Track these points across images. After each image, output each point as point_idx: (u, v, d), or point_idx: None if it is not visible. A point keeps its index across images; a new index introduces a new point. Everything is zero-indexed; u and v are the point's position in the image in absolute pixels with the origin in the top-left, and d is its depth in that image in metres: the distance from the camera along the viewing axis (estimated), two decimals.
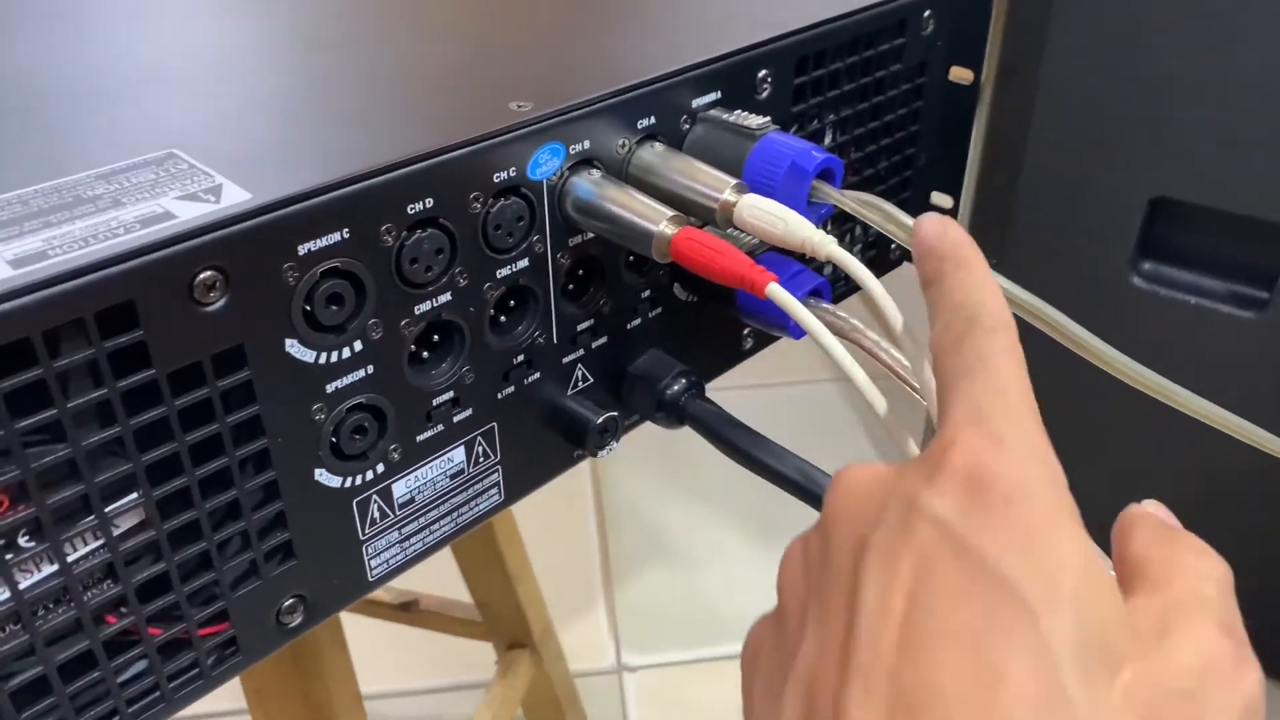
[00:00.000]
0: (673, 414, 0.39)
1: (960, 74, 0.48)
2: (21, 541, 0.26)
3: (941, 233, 0.28)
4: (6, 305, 0.23)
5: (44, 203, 0.26)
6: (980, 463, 0.21)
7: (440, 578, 0.84)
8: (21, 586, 0.26)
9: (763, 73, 0.39)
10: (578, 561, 1.25)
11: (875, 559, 0.21)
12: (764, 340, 0.45)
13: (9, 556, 0.25)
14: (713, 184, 0.34)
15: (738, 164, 0.35)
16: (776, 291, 0.30)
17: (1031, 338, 0.30)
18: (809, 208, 0.35)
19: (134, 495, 0.27)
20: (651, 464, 1.35)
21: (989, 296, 0.26)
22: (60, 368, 0.24)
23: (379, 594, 0.93)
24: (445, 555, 0.83)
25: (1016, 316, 0.27)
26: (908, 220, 0.33)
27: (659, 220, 0.32)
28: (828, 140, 0.44)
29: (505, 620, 0.88)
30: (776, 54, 0.39)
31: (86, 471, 0.26)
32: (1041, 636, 0.19)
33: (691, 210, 0.34)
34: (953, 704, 0.19)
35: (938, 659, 0.19)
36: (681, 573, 1.23)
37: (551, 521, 1.26)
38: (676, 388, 0.39)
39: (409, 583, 0.93)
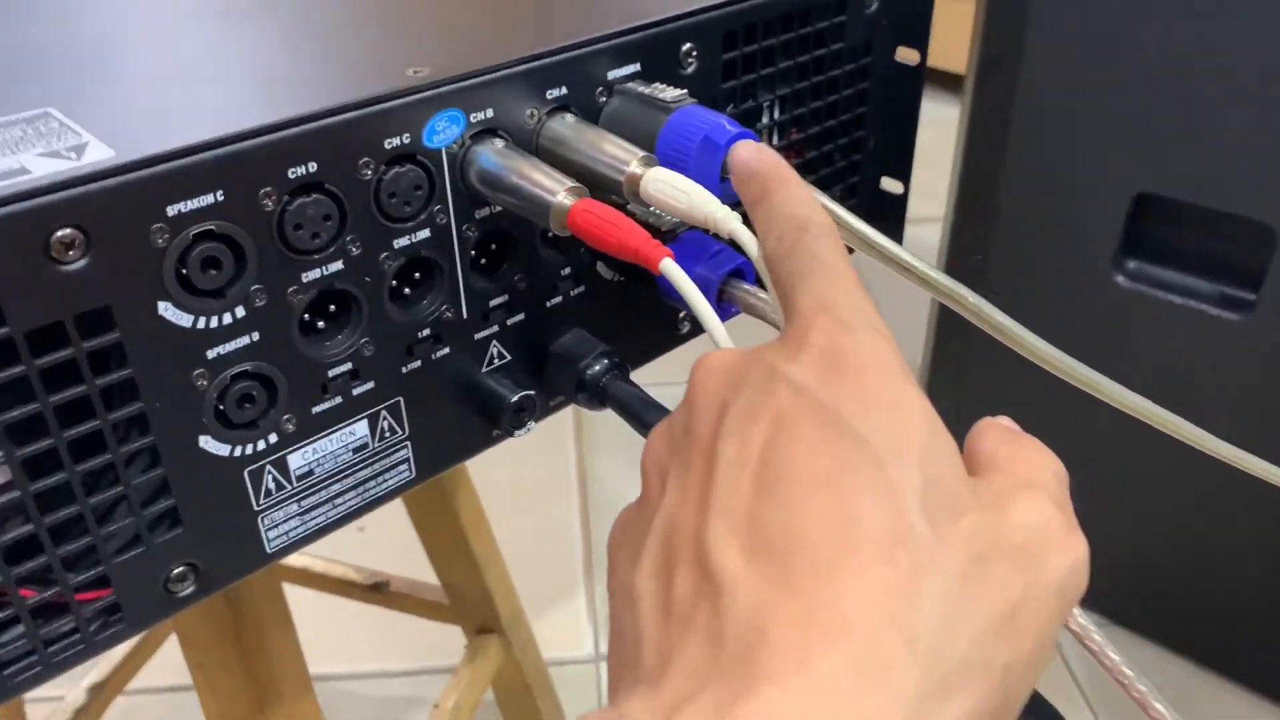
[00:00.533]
0: (594, 395, 0.39)
1: (906, 54, 0.47)
2: None
3: (758, 155, 0.30)
4: None
5: None
6: (837, 342, 0.23)
7: (414, 560, 0.84)
8: None
9: (686, 45, 0.38)
10: (560, 551, 1.24)
11: (735, 417, 0.23)
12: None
13: None
14: (619, 156, 0.33)
15: (652, 138, 0.35)
16: (670, 268, 0.29)
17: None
18: (724, 184, 0.34)
19: None
20: (637, 454, 1.35)
21: (813, 208, 0.28)
22: None
23: (350, 574, 0.93)
24: (418, 537, 0.83)
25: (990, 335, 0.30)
26: (823, 198, 0.33)
27: (557, 191, 0.31)
28: (764, 119, 0.44)
29: (473, 605, 0.87)
30: (700, 26, 0.38)
31: None
32: (890, 481, 0.21)
33: (600, 184, 0.33)
34: (809, 537, 0.20)
35: (794, 498, 0.21)
36: None
37: (535, 510, 1.26)
38: (598, 368, 0.38)
39: (381, 563, 0.93)
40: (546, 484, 1.29)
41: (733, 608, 0.20)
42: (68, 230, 0.25)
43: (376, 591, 0.94)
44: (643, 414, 0.37)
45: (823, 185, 0.48)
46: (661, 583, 0.22)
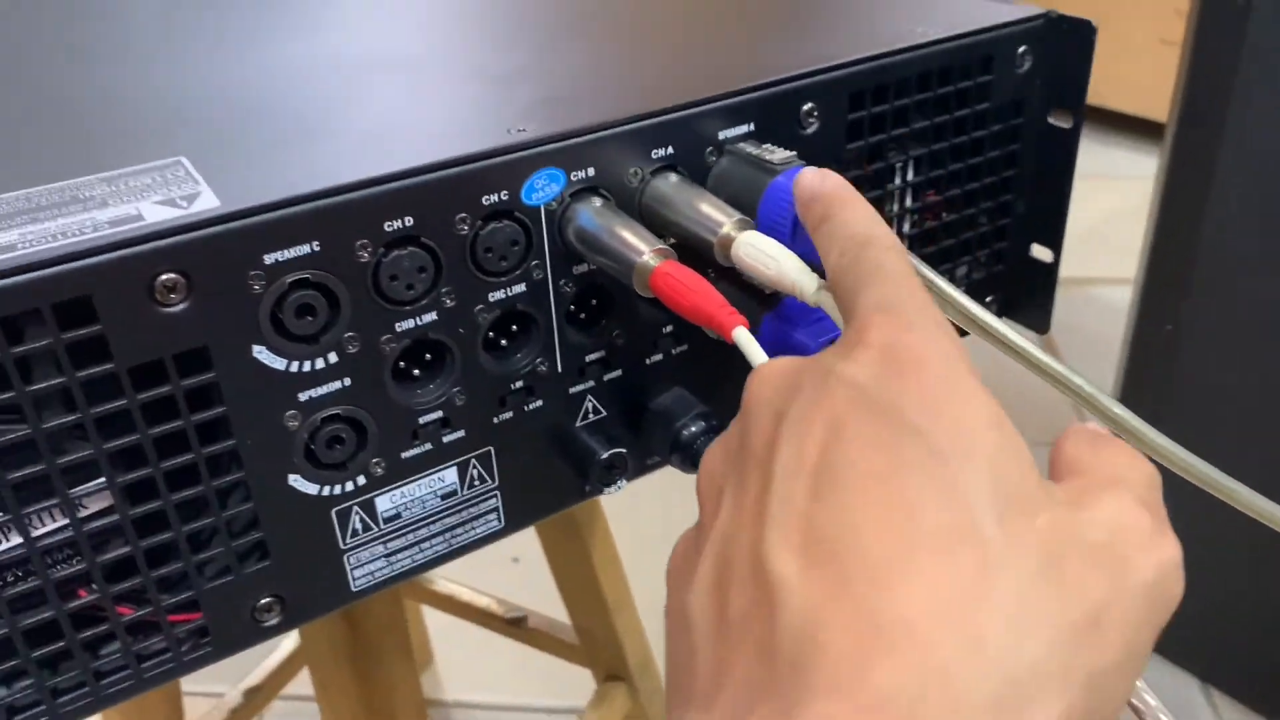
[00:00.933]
0: (688, 457, 0.38)
1: (1060, 117, 0.43)
2: None
3: (822, 179, 0.29)
4: None
5: (44, 200, 0.28)
6: (895, 338, 0.22)
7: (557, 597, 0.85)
8: None
9: (808, 106, 0.37)
10: None
11: (790, 425, 0.22)
12: None
13: None
14: (714, 218, 0.32)
15: (755, 199, 0.34)
16: (742, 337, 0.28)
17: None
18: None
19: (101, 479, 0.29)
20: None
21: (876, 225, 0.27)
22: (19, 353, 0.26)
23: (493, 606, 0.95)
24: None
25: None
26: (925, 270, 0.31)
27: (644, 251, 0.31)
28: (897, 180, 0.42)
29: (602, 649, 0.87)
30: (824, 86, 0.37)
31: (46, 452, 0.27)
32: (954, 478, 0.19)
33: (695, 246, 0.33)
34: (867, 538, 0.19)
35: (850, 498, 0.20)
36: None
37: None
38: (694, 429, 0.38)
39: (531, 597, 0.94)
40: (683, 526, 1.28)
41: (785, 616, 0.19)
42: (171, 275, 0.27)
43: (515, 626, 0.95)
44: None
45: (965, 250, 0.46)
46: (716, 600, 0.21)
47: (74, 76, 0.41)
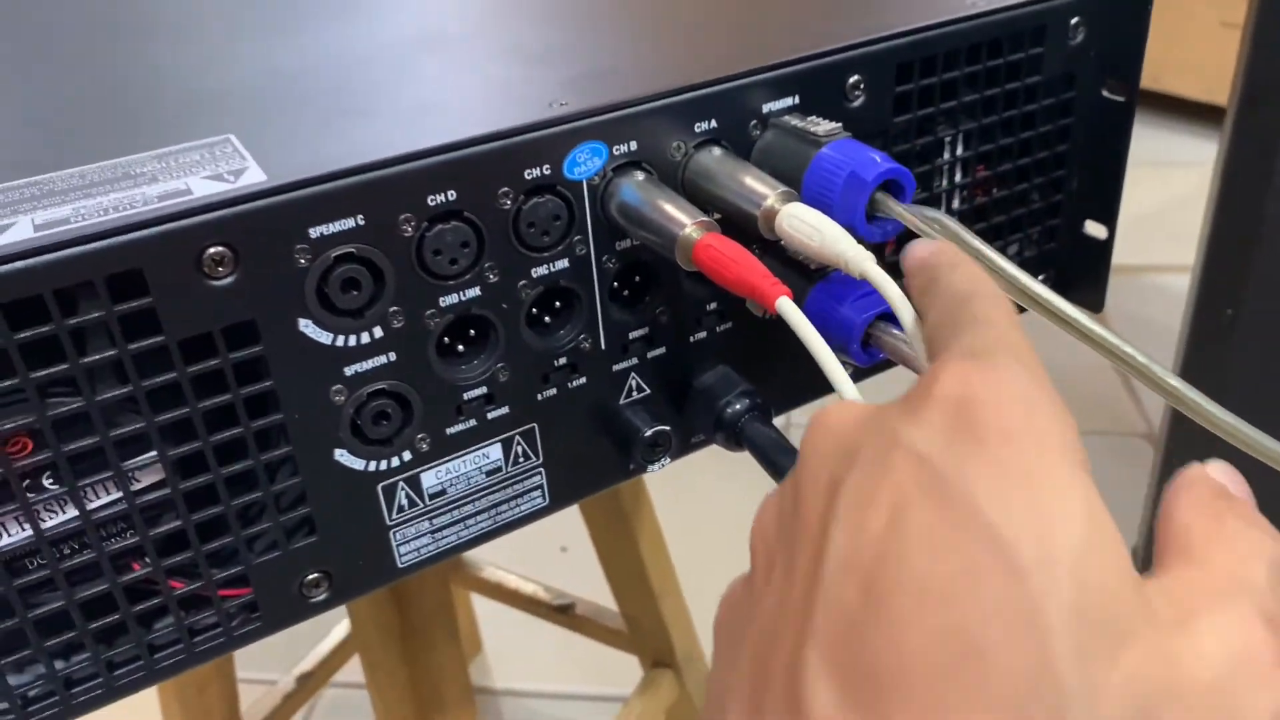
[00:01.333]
0: (731, 435, 0.37)
1: (1115, 89, 0.42)
2: (46, 483, 0.28)
3: (931, 250, 0.26)
4: (21, 263, 0.25)
5: (98, 176, 0.29)
6: (971, 391, 0.19)
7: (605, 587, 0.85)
8: (44, 525, 0.28)
9: (854, 78, 0.36)
10: None
11: (847, 503, 0.19)
12: (859, 372, 0.42)
13: (32, 496, 0.28)
14: (758, 190, 0.32)
15: (799, 172, 0.33)
16: (786, 307, 0.28)
17: None
18: (872, 222, 0.32)
19: (152, 453, 0.29)
20: None
21: (981, 282, 0.24)
22: (73, 325, 0.26)
23: (540, 593, 0.96)
24: None
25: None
26: (975, 241, 0.30)
27: (686, 224, 0.31)
28: (945, 155, 0.41)
29: (649, 636, 0.87)
30: (870, 58, 0.36)
31: (100, 424, 0.28)
32: (1030, 599, 0.16)
33: (740, 220, 0.32)
34: (916, 672, 0.16)
35: (904, 616, 0.17)
36: None
37: (719, 540, 1.24)
38: (738, 407, 0.37)
39: (578, 584, 0.95)
40: (735, 512, 1.27)
41: None
42: (218, 248, 0.27)
43: (562, 613, 0.96)
44: (777, 460, 0.35)
45: (1016, 227, 0.45)
46: (750, 707, 0.20)
47: (125, 55, 0.41)
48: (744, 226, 0.32)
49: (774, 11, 0.41)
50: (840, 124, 0.34)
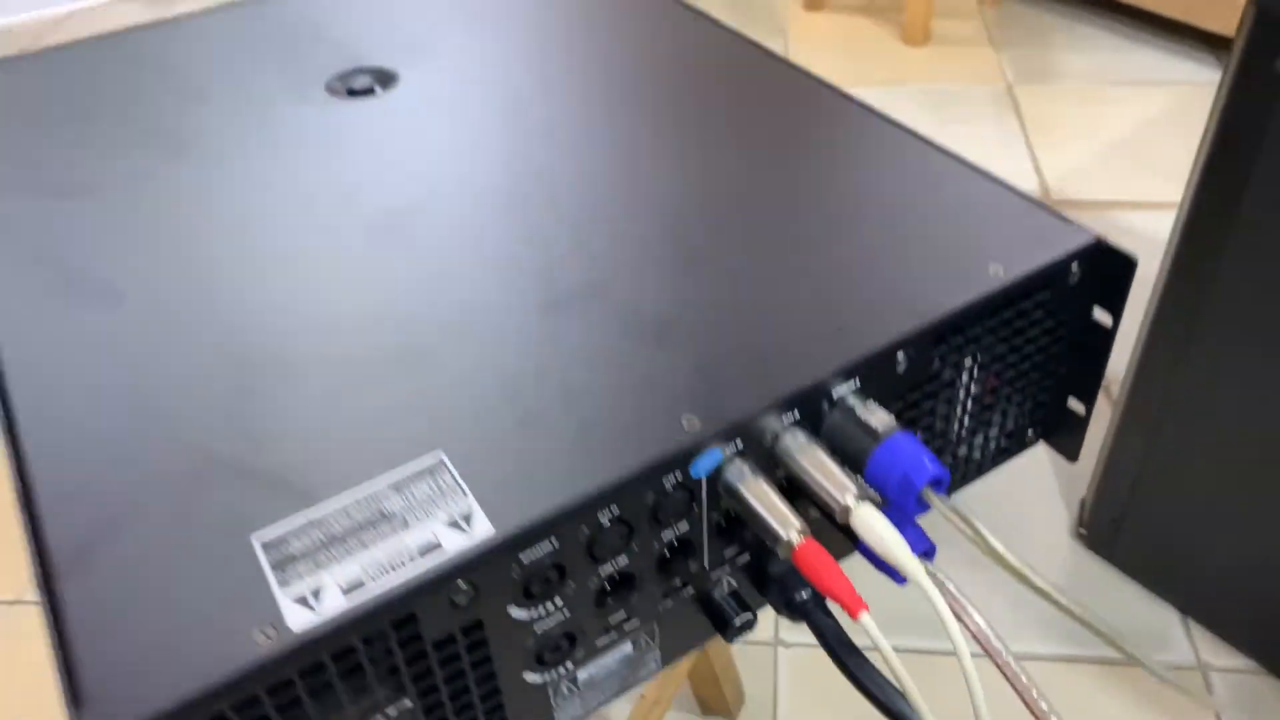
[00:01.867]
0: (797, 615, 0.49)
1: (1102, 316, 0.53)
2: None
3: None
4: (343, 625, 0.36)
5: (360, 515, 0.39)
6: None
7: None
8: None
9: (900, 354, 0.47)
10: None
11: None
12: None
13: None
14: (836, 488, 0.43)
15: (863, 457, 0.44)
16: (866, 621, 0.39)
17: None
18: (920, 503, 0.43)
19: (406, 701, 0.41)
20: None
21: None
22: (395, 661, 0.37)
23: None
24: None
25: None
26: (994, 542, 0.42)
27: (788, 529, 0.42)
28: (963, 379, 0.52)
29: None
30: (916, 335, 0.46)
31: (379, 693, 0.39)
32: None
33: (819, 501, 0.43)
34: None
35: None
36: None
37: None
38: (804, 594, 0.49)
39: None
40: None
41: None
42: (464, 584, 0.38)
43: None
44: (833, 645, 0.47)
45: (1012, 401, 0.56)
46: None
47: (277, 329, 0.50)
48: (824, 509, 0.43)
49: (830, 291, 0.49)
50: (893, 417, 0.44)
